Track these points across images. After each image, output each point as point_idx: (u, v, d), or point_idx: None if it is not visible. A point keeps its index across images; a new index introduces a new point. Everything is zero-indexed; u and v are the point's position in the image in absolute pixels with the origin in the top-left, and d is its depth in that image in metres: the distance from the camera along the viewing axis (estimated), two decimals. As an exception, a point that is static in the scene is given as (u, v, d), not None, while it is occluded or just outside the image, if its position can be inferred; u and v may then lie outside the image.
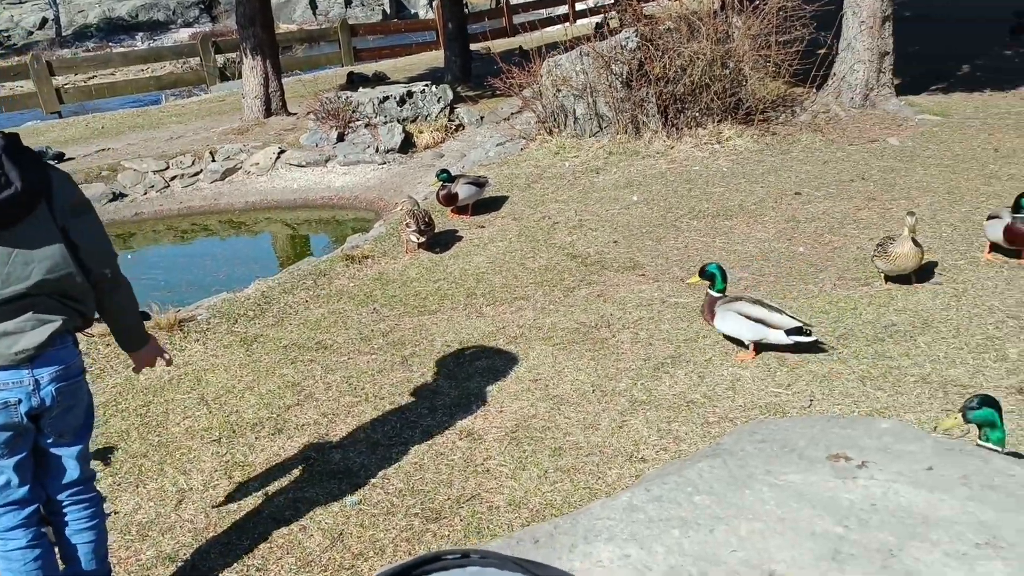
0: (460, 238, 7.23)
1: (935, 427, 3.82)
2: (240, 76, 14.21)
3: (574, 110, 9.57)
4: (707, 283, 4.96)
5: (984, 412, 3.19)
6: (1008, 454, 3.51)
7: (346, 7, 50.39)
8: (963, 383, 4.31)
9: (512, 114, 11.50)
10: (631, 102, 9.16)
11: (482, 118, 11.93)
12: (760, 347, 4.81)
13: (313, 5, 50.11)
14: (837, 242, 6.31)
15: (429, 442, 4.31)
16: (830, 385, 4.42)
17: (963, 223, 6.37)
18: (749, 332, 4.73)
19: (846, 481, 2.61)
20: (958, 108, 9.67)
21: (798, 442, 2.90)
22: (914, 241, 5.19)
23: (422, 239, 6.77)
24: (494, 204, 7.97)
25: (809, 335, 4.66)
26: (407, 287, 6.32)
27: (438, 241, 7.13)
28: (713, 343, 4.99)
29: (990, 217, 5.68)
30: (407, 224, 6.82)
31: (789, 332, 4.64)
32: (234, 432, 4.55)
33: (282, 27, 46.05)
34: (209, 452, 4.38)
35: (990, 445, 3.19)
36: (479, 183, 7.69)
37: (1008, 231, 5.42)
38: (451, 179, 7.58)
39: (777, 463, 2.72)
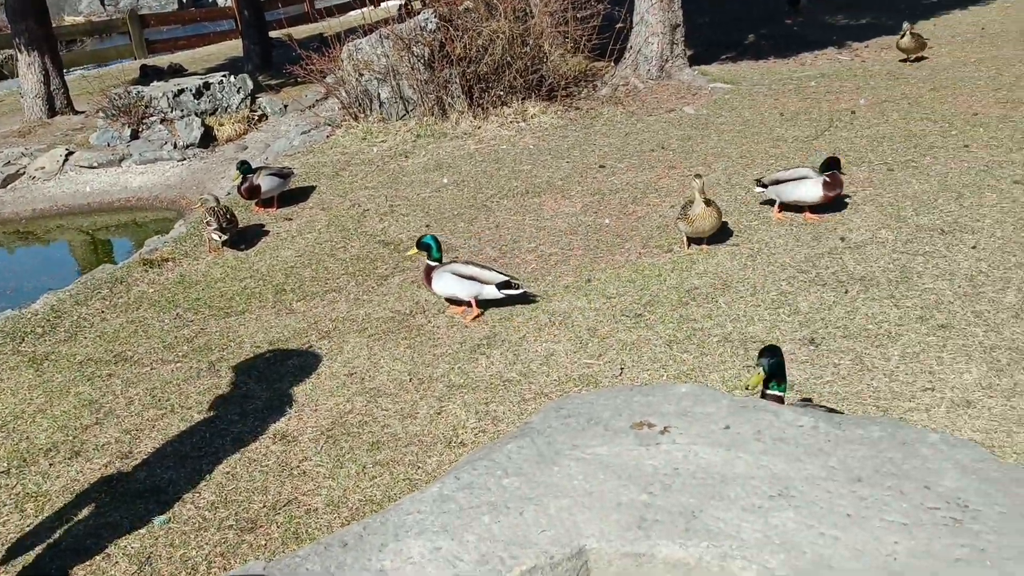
0: (267, 232, 6.96)
1: (745, 386, 4.00)
2: (18, 74, 13.17)
3: (379, 94, 9.41)
4: (424, 254, 5.22)
5: (776, 362, 3.34)
6: (802, 401, 3.71)
7: (137, -4, 47.74)
8: (761, 339, 4.51)
9: (317, 101, 11.20)
10: (435, 84, 9.09)
11: (286, 107, 11.55)
12: (480, 303, 5.13)
13: (100, -5, 47.16)
14: (640, 212, 6.49)
15: (241, 449, 4.12)
16: (639, 352, 4.53)
17: (755, 185, 6.68)
18: (465, 290, 5.05)
19: (649, 448, 2.66)
20: (746, 76, 10.16)
21: (603, 414, 2.93)
22: (707, 201, 5.41)
23: (224, 237, 6.47)
24: (301, 195, 7.73)
25: (518, 288, 5.11)
26: (212, 288, 6.03)
27: (243, 237, 6.84)
28: (526, 320, 5.02)
29: (776, 182, 5.97)
30: (208, 223, 6.50)
31: (499, 286, 5.04)
32: (24, 461, 4.20)
33: (67, 19, 43.11)
34: (-4, 486, 4.02)
35: (776, 392, 3.34)
36: (283, 174, 7.43)
37: (827, 186, 5.70)
38: (252, 171, 7.28)
39: (583, 437, 2.74)
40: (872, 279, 5.01)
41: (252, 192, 7.20)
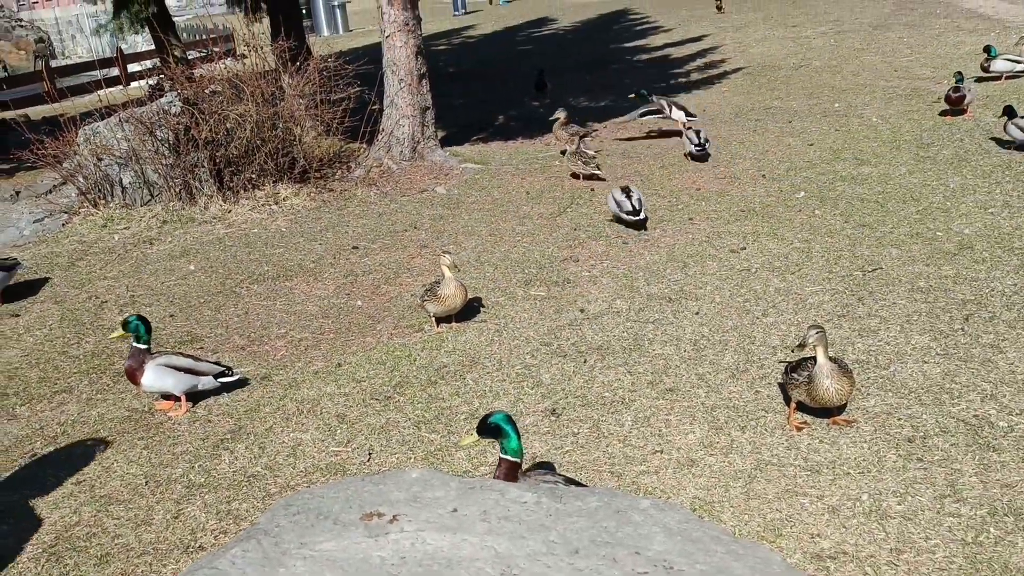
0: (-10, 332, 6.41)
1: (460, 444, 4.18)
2: None
3: (120, 179, 9.00)
4: (130, 336, 4.95)
5: (491, 424, 3.46)
6: (540, 468, 3.83)
7: None
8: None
9: (54, 187, 10.52)
10: (182, 167, 8.82)
11: (18, 193, 10.77)
12: (191, 396, 5.02)
13: None
14: (393, 292, 6.54)
15: (-53, 578, 3.71)
16: (388, 435, 4.52)
17: (503, 261, 6.93)
18: (181, 384, 4.92)
19: (378, 539, 2.64)
20: (496, 156, 10.58)
21: (333, 507, 2.89)
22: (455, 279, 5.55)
23: None
24: (32, 288, 7.19)
25: (234, 375, 5.10)
26: (-80, 397, 5.44)
27: (-38, 338, 6.26)
28: (274, 410, 4.89)
29: None
30: None
31: (217, 376, 5.02)
32: None
33: None
34: None
35: (508, 457, 3.44)
36: (5, 267, 6.88)
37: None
38: None
39: (312, 533, 2.69)
40: (608, 348, 5.29)
41: None
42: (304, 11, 21.58)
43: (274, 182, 9.09)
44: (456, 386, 4.99)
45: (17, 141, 12.29)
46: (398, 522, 2.69)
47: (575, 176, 9.08)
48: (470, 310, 5.94)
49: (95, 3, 11.22)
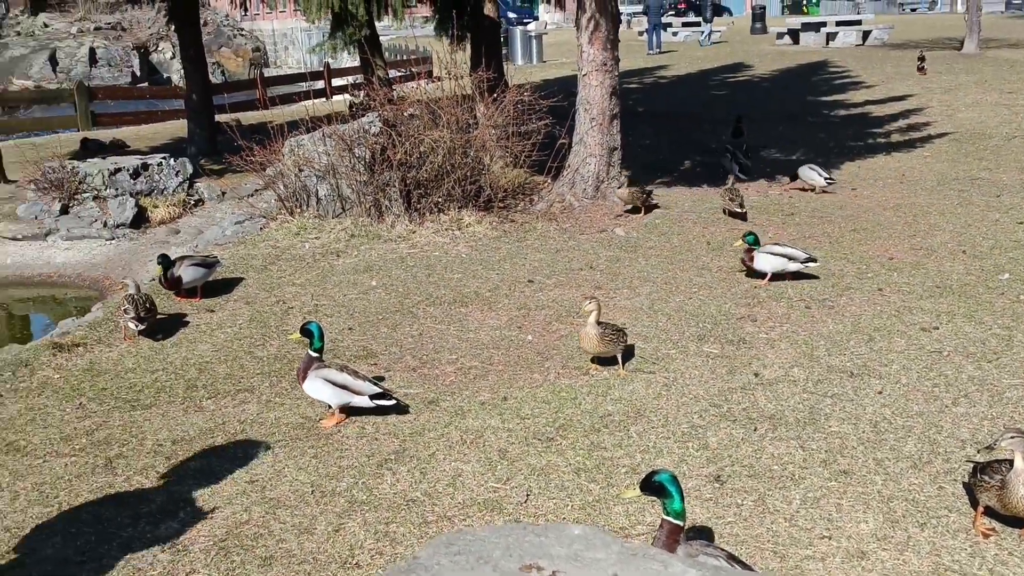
0: (187, 323, 6.86)
1: (618, 495, 4.18)
2: (-49, 137, 12.98)
3: (317, 191, 9.47)
4: (306, 341, 5.22)
5: (657, 481, 3.40)
6: (697, 533, 3.71)
7: (91, 66, 47.59)
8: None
9: (255, 191, 11.22)
10: (374, 186, 9.19)
11: (223, 194, 11.54)
12: (346, 410, 5.15)
13: (53, 61, 46.97)
14: (563, 330, 6.55)
15: (127, 557, 3.96)
16: (547, 478, 4.51)
17: (677, 312, 6.81)
18: (334, 397, 5.06)
19: (535, 593, 2.62)
20: (679, 201, 10.46)
21: (493, 552, 2.89)
22: (599, 323, 5.60)
23: (141, 326, 6.34)
24: (228, 286, 7.65)
25: (391, 400, 5.12)
26: (121, 379, 5.87)
27: (162, 326, 6.73)
28: (438, 436, 4.97)
29: None
30: (125, 310, 6.38)
31: (373, 397, 5.07)
32: None
33: (15, 83, 42.82)
34: None
35: (671, 519, 3.36)
36: (207, 264, 7.35)
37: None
38: (171, 263, 7.16)
39: (471, 577, 2.69)
40: (781, 418, 5.09)
41: (173, 284, 7.10)
42: (503, 39, 22.15)
43: (459, 208, 9.32)
44: (619, 437, 4.92)
45: (227, 144, 13.18)
46: (556, 579, 2.66)
47: (727, 213, 9.54)
48: (640, 359, 5.88)
49: (313, 22, 11.84)
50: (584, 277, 7.75)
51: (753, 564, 3.77)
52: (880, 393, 5.37)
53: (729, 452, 4.74)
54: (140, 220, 10.49)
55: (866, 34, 29.99)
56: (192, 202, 11.16)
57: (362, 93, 12.38)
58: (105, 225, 10.25)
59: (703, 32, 33.53)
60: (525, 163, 10.08)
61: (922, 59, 21.11)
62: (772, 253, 7.25)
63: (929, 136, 14.13)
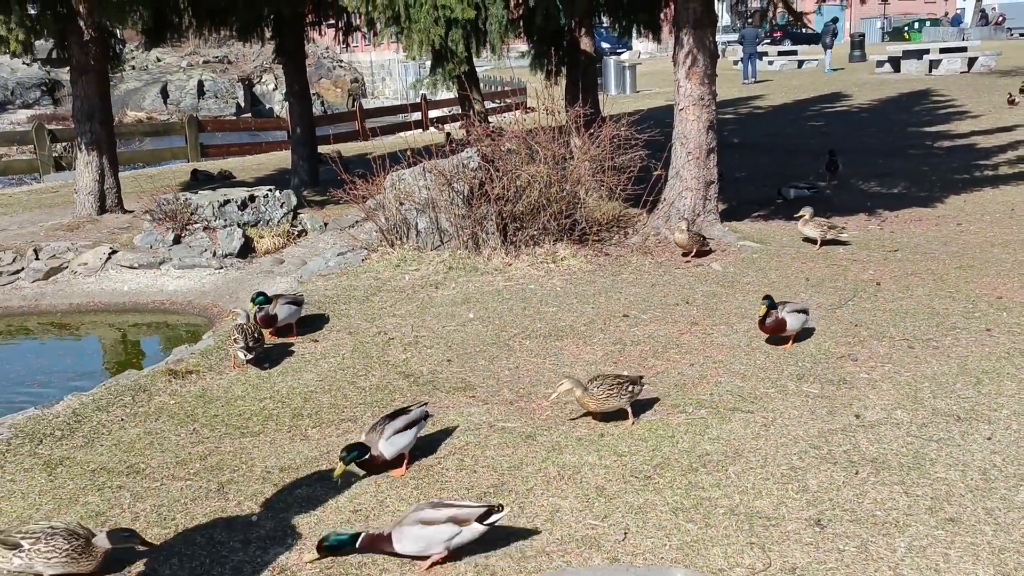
0: (292, 352, 7.11)
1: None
2: (75, 169, 13.72)
3: (416, 223, 9.70)
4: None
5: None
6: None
7: (199, 97, 49.78)
8: (767, 515, 4.50)
9: (356, 223, 11.53)
10: (472, 219, 9.37)
11: (326, 225, 11.91)
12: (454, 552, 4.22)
13: (164, 94, 49.24)
14: (660, 366, 6.56)
15: (239, 580, 4.13)
16: (644, 517, 4.52)
17: (775, 350, 6.75)
18: (442, 537, 4.12)
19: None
20: (776, 236, 10.36)
21: (597, 593, 2.95)
22: (584, 388, 5.52)
23: (250, 356, 6.60)
24: (331, 317, 7.90)
25: (501, 510, 4.23)
26: (231, 406, 6.13)
27: (269, 355, 6.98)
28: (536, 471, 5.04)
29: None
30: (235, 339, 6.65)
31: (480, 519, 4.17)
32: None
33: (130, 115, 44.91)
34: (-7, 594, 4.05)
35: None
36: (297, 301, 7.56)
37: None
38: (268, 301, 7.35)
39: (575, 617, 2.75)
40: (884, 462, 5.00)
41: (268, 322, 7.29)
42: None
43: (554, 241, 9.43)
44: (717, 477, 4.90)
45: (329, 175, 13.60)
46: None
47: (809, 240, 9.67)
48: (738, 398, 5.85)
49: (414, 58, 12.17)
50: (680, 312, 7.75)
51: (856, 613, 3.71)
52: (989, 439, 5.22)
53: (830, 495, 4.68)
54: (247, 250, 10.90)
55: (972, 61, 29.17)
56: (296, 233, 11.55)
57: (462, 127, 12.67)
58: (214, 255, 10.68)
59: (825, 61, 33.05)
60: (620, 196, 10.13)
61: (1013, 98, 20.46)
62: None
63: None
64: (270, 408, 6.07)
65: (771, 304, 6.71)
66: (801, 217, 9.84)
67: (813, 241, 9.77)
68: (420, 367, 6.72)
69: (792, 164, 15.21)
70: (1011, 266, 8.69)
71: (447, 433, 5.58)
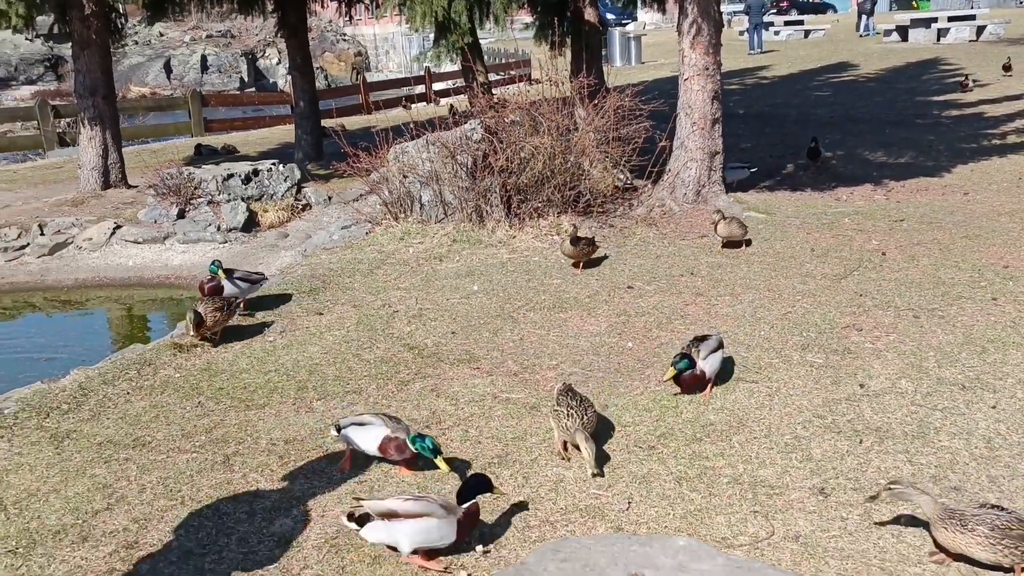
0: (300, 326, 7.11)
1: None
2: (79, 145, 13.70)
3: (420, 196, 9.68)
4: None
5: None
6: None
7: (202, 72, 49.54)
8: (771, 484, 4.50)
9: (360, 196, 11.50)
10: (476, 192, 9.34)
11: (330, 198, 11.89)
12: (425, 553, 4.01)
13: (168, 69, 49.01)
14: (664, 338, 6.55)
15: (245, 550, 4.15)
16: (648, 486, 4.53)
17: (780, 321, 6.74)
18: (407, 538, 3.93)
19: (642, 602, 2.67)
20: (781, 206, 10.31)
21: (599, 560, 2.97)
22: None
23: (195, 332, 6.48)
24: (336, 290, 7.90)
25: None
26: (236, 379, 6.14)
27: (274, 329, 7.00)
28: (539, 442, 5.05)
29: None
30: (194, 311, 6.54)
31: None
32: (33, 541, 4.26)
33: (133, 89, 44.76)
34: (1, 565, 4.08)
35: None
36: (250, 279, 7.51)
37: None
38: (226, 272, 7.44)
39: (578, 584, 2.76)
40: (888, 431, 5.00)
41: (213, 291, 7.25)
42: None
43: (558, 213, 9.40)
44: (721, 447, 4.91)
45: (333, 148, 13.56)
46: (662, 589, 2.70)
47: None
48: (742, 367, 5.85)
49: (417, 30, 12.09)
50: (685, 283, 7.73)
51: (859, 580, 3.73)
52: (994, 408, 5.21)
53: (834, 464, 4.68)
54: (251, 224, 10.90)
55: (980, 29, 28.90)
56: (300, 207, 11.54)
57: (467, 100, 12.59)
58: (218, 229, 10.68)
59: (865, 25, 32.84)
60: (625, 168, 10.09)
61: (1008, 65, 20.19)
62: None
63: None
64: (275, 381, 6.09)
65: (686, 365, 5.41)
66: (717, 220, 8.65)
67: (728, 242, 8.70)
68: (425, 339, 6.73)
69: (798, 135, 15.11)
70: (1018, 235, 8.64)
71: (453, 403, 5.59)
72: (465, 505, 3.96)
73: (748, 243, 8.73)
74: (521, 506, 4.39)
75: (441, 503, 3.94)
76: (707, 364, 5.47)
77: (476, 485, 4.00)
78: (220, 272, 7.43)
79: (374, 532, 3.94)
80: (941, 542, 3.83)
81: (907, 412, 5.22)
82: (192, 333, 6.52)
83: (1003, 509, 3.78)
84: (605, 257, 8.64)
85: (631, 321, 6.93)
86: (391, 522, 3.89)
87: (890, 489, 3.94)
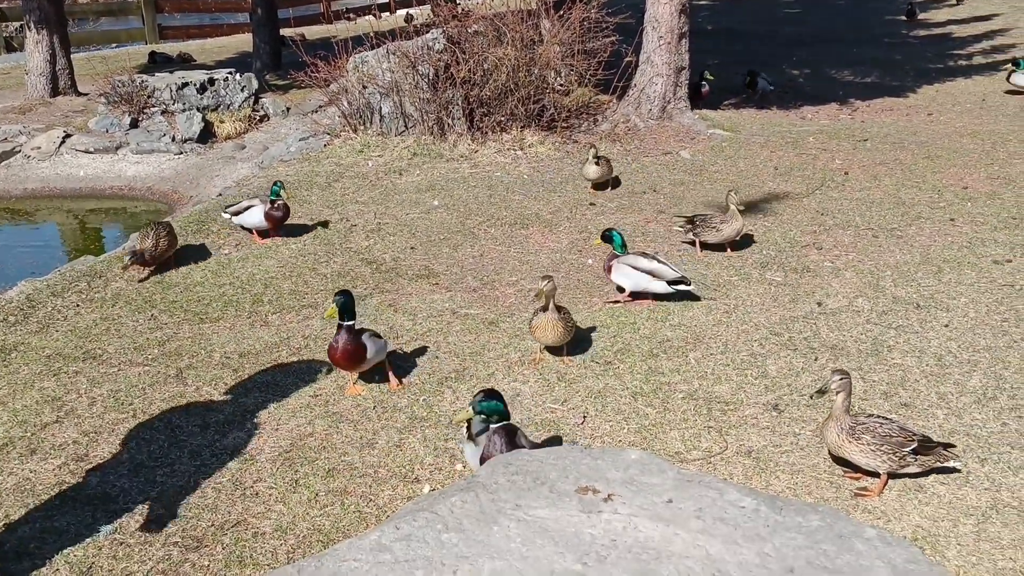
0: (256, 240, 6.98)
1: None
2: (25, 50, 13.18)
3: (380, 108, 9.45)
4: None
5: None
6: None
7: (157, -22, 47.80)
8: (726, 400, 4.54)
9: (319, 108, 11.23)
10: (437, 103, 9.14)
11: (288, 110, 11.59)
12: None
13: (120, -27, 47.21)
14: (625, 255, 6.51)
15: (197, 463, 4.12)
16: (604, 401, 4.55)
17: (741, 238, 6.72)
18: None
19: (591, 515, 2.67)
20: (746, 124, 10.23)
21: (550, 474, 2.95)
22: (557, 308, 4.78)
23: (131, 260, 6.09)
24: (293, 203, 7.71)
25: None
26: (190, 292, 6.03)
27: (229, 242, 6.85)
28: (497, 356, 5.03)
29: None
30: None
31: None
32: (-20, 454, 4.19)
33: (83, -5, 43.09)
34: (-53, 478, 4.02)
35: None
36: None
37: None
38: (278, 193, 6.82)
39: (528, 497, 2.75)
40: (843, 348, 5.04)
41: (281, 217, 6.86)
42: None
43: (521, 128, 9.24)
44: (677, 362, 4.93)
45: (292, 59, 13.18)
46: (612, 502, 2.70)
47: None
48: (701, 286, 5.84)
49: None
50: (647, 200, 7.67)
51: (809, 494, 3.78)
52: (947, 326, 5.27)
53: (788, 381, 4.72)
54: (207, 135, 10.61)
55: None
56: (257, 118, 11.24)
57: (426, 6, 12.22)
58: (173, 139, 10.39)
59: None
60: (590, 82, 9.91)
61: None
62: (634, 267, 5.54)
63: (1014, 59, 13.50)
64: (230, 294, 5.99)
65: (620, 244, 5.66)
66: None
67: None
68: (383, 254, 6.64)
69: (765, 52, 14.94)
70: (978, 157, 8.66)
71: (411, 318, 5.54)
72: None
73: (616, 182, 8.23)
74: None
75: None
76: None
77: None
78: (283, 192, 6.78)
79: None
80: (828, 442, 3.88)
81: (862, 330, 5.26)
82: (131, 265, 6.14)
83: (887, 419, 3.85)
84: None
85: (592, 238, 6.86)
86: None
87: (839, 380, 3.85)
